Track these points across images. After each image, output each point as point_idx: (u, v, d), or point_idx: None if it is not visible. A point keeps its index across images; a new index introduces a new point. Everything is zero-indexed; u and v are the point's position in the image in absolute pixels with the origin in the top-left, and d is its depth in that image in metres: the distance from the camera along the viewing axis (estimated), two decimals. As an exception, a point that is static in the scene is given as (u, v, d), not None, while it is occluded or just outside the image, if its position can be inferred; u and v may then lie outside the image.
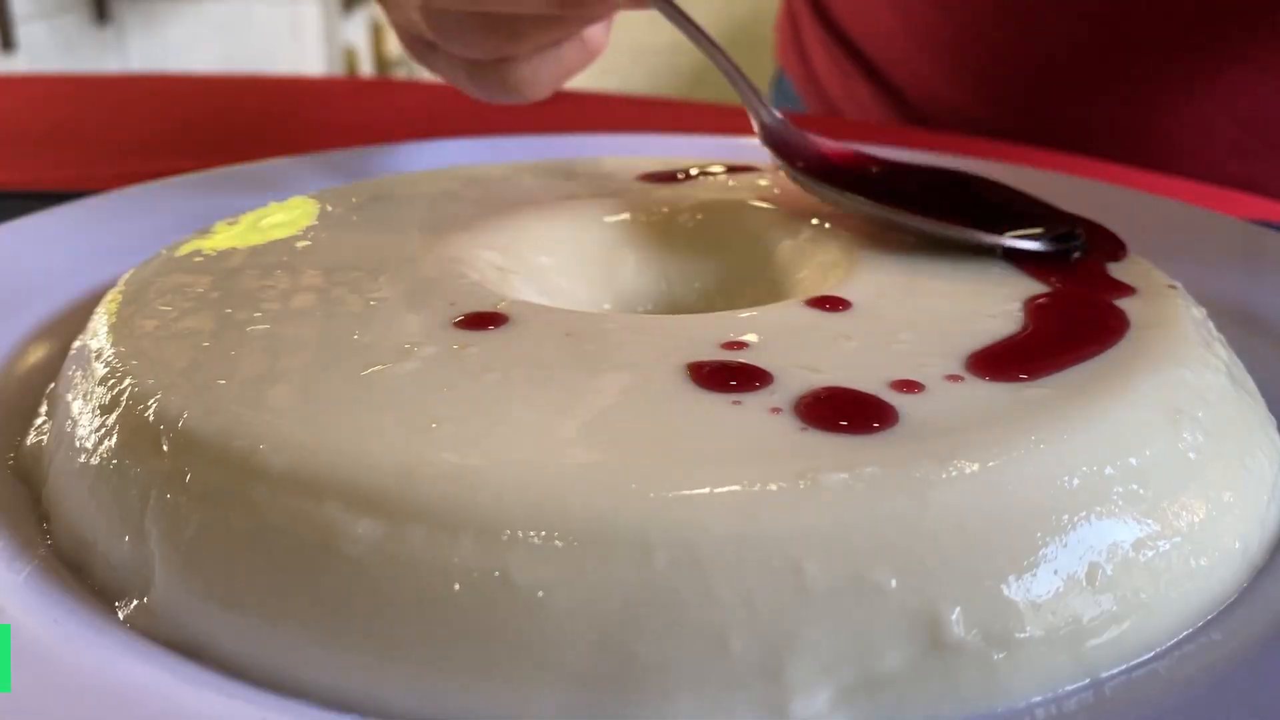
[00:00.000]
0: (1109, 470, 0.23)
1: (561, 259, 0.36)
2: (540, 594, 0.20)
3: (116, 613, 0.23)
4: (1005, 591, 0.21)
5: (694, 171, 0.42)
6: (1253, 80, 0.58)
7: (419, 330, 0.27)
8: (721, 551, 0.20)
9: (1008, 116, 0.65)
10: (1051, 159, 0.57)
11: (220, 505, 0.22)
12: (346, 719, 0.21)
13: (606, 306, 0.36)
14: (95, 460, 0.25)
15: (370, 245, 0.34)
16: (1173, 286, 0.31)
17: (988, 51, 0.65)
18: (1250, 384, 0.29)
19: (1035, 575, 0.21)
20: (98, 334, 0.29)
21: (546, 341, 0.27)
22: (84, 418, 0.26)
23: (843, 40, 0.74)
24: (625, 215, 0.38)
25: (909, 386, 0.24)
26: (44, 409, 0.30)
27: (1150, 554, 0.23)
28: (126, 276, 0.32)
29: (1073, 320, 0.28)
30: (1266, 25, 0.57)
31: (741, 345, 0.26)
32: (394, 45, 2.78)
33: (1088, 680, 0.22)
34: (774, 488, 0.21)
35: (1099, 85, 0.62)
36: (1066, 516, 0.22)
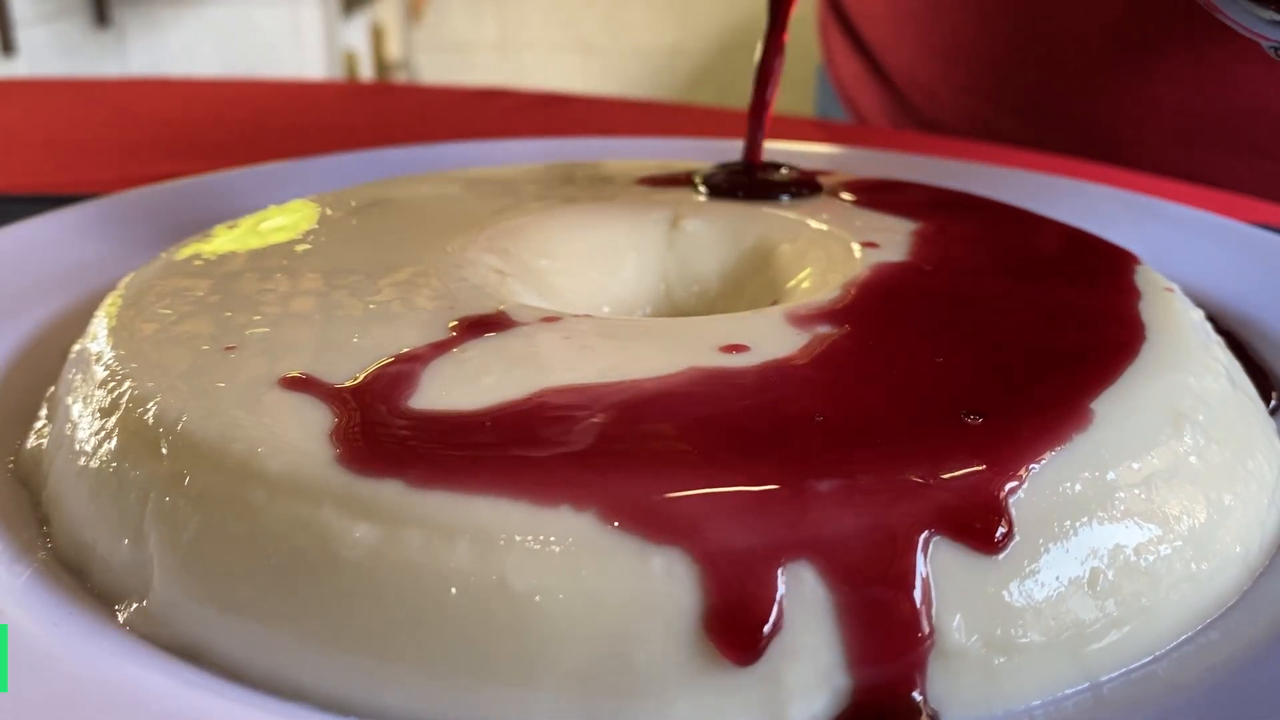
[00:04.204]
0: (1111, 475, 0.23)
1: (561, 262, 0.36)
2: (537, 599, 0.20)
3: (116, 615, 0.23)
4: (1007, 597, 0.21)
5: (694, 175, 0.42)
6: (1190, 69, 0.58)
7: (418, 334, 0.27)
8: (720, 558, 0.20)
9: (977, 102, 0.66)
10: (1038, 160, 0.57)
11: (218, 508, 0.22)
12: (344, 722, 0.21)
13: (606, 310, 0.36)
14: (95, 463, 0.25)
15: (369, 249, 0.34)
16: (1169, 289, 0.31)
17: (954, 34, 0.67)
18: (1249, 386, 0.29)
19: (1037, 580, 0.21)
20: (98, 337, 0.29)
21: (545, 345, 0.27)
22: (84, 421, 0.26)
23: (851, 32, 0.75)
24: (625, 218, 0.38)
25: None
26: (44, 412, 0.30)
27: (1151, 558, 0.23)
28: (126, 280, 0.32)
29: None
30: (1201, 15, 0.57)
31: (742, 348, 0.26)
32: (394, 49, 2.79)
33: (1087, 684, 0.22)
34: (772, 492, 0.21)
35: (1044, 73, 0.63)
36: (1069, 521, 0.22)
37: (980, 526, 0.21)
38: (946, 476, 0.21)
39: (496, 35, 2.84)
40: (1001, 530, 0.21)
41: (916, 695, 0.20)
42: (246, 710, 0.21)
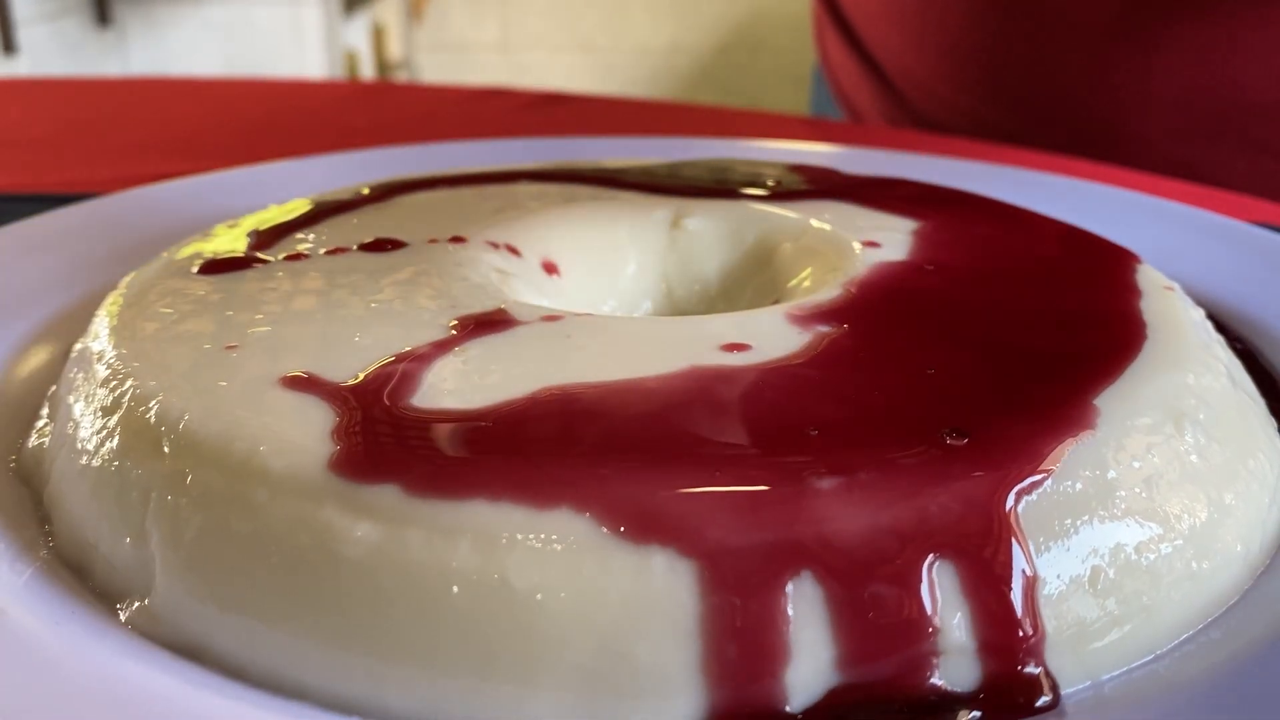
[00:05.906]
0: (1112, 473, 0.23)
1: (562, 261, 0.36)
2: (539, 598, 0.20)
3: (118, 614, 0.23)
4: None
5: None
6: (1189, 63, 0.58)
7: (419, 333, 0.27)
8: (719, 558, 0.20)
9: (973, 98, 0.66)
10: (1036, 159, 0.57)
11: (220, 507, 0.22)
12: (346, 721, 0.21)
13: (607, 308, 0.36)
14: (96, 462, 0.25)
15: (370, 248, 0.34)
16: (1170, 288, 0.31)
17: (951, 27, 0.67)
18: (1250, 385, 0.29)
19: (1039, 579, 0.21)
20: (99, 336, 0.29)
21: (546, 344, 0.27)
22: (85, 420, 0.26)
23: (846, 30, 0.75)
24: (626, 217, 0.38)
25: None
26: (45, 411, 0.30)
27: (1152, 557, 0.23)
28: (127, 279, 0.32)
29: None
30: (1197, 8, 0.57)
31: (743, 347, 0.26)
32: (394, 48, 2.79)
33: (1088, 682, 0.22)
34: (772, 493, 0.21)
35: (1039, 68, 0.63)
36: (1070, 520, 0.22)
37: (1023, 691, 0.21)
38: (949, 476, 0.22)
39: (497, 35, 2.84)
40: (1045, 699, 0.21)
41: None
42: (248, 709, 0.21)
